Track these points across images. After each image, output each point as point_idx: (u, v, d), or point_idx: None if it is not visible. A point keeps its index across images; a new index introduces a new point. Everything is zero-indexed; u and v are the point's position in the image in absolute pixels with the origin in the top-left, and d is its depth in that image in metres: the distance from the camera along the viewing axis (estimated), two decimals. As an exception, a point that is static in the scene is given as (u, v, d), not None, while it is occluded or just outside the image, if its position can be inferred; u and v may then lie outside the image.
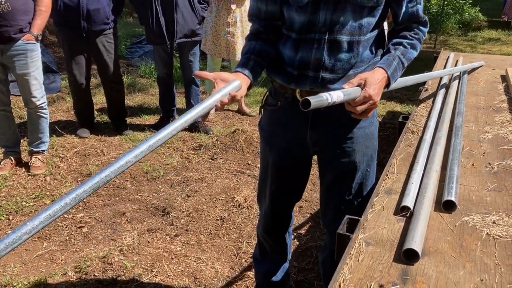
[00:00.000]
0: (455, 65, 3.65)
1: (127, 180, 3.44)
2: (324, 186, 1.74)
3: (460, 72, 3.28)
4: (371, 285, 1.15)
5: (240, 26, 4.41)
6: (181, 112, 4.72)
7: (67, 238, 2.77)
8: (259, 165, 3.76)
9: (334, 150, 1.61)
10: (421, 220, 1.39)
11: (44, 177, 3.44)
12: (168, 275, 2.39)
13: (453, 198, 1.51)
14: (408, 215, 1.46)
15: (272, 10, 1.51)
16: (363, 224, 1.42)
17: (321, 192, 1.78)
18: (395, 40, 1.47)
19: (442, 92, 2.86)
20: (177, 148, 4.03)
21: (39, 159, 3.51)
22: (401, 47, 1.45)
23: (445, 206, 1.51)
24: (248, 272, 2.47)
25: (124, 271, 2.41)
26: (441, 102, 2.68)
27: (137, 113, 4.88)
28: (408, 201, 1.51)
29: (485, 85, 3.32)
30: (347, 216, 1.46)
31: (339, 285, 1.14)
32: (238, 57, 4.51)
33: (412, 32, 1.47)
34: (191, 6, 3.97)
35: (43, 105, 3.42)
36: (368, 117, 1.44)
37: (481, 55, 4.82)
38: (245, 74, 1.43)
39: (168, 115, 4.49)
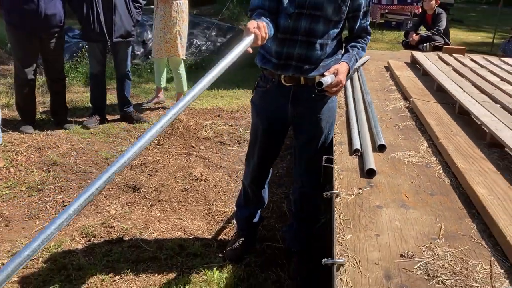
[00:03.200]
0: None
1: (90, 166, 3.85)
2: (298, 146, 2.48)
3: (358, 66, 4.27)
4: (353, 188, 1.94)
5: (180, 25, 5.04)
6: (110, 107, 5.13)
7: (56, 215, 3.16)
8: (202, 147, 4.43)
9: (307, 119, 2.36)
10: (369, 154, 2.22)
11: (7, 169, 3.69)
12: (162, 231, 2.97)
13: (383, 142, 2.37)
14: (359, 154, 2.29)
15: (272, 5, 2.16)
16: (335, 160, 2.21)
17: (296, 151, 2.52)
18: (352, 44, 2.27)
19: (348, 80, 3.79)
20: (124, 138, 4.49)
21: (-6, 154, 3.75)
22: (356, 48, 2.25)
23: (379, 148, 2.36)
24: (222, 224, 3.14)
25: (125, 231, 2.92)
26: (350, 87, 3.60)
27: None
28: (357, 146, 2.34)
29: (376, 74, 4.36)
30: (324, 156, 2.24)
31: (337, 188, 1.91)
32: (176, 53, 5.14)
33: (362, 39, 2.29)
34: (128, 10, 4.45)
35: None
36: (336, 95, 2.23)
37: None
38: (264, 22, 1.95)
39: (99, 112, 4.85)
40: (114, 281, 2.48)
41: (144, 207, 3.31)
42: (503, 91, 3.25)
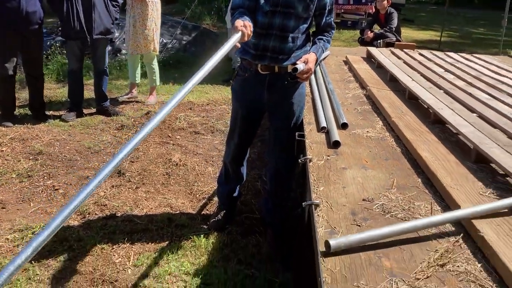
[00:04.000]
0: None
1: (75, 155, 4.10)
2: (273, 128, 2.84)
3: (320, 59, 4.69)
4: (323, 156, 2.34)
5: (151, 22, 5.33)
6: (85, 102, 5.35)
7: (49, 198, 3.41)
8: (178, 137, 4.73)
9: (281, 104, 2.73)
10: (334, 130, 2.63)
11: (-7, 159, 3.90)
12: (151, 208, 3.28)
13: (346, 121, 2.79)
14: (325, 131, 2.69)
15: (251, 5, 2.50)
16: (306, 136, 2.61)
17: (271, 133, 2.89)
18: (319, 37, 2.67)
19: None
20: (103, 129, 4.74)
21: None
22: (322, 41, 2.65)
23: (342, 126, 2.77)
24: (204, 201, 3.48)
25: (117, 208, 3.22)
26: (314, 78, 4.01)
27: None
28: (323, 124, 2.75)
29: (335, 67, 4.81)
30: (297, 133, 2.64)
31: (310, 155, 2.30)
32: (152, 49, 5.44)
33: (327, 33, 2.69)
34: (106, 8, 4.71)
35: None
36: (306, 81, 2.62)
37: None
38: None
39: (76, 106, 5.08)
40: (113, 249, 2.78)
41: (130, 189, 3.60)
42: (445, 79, 3.75)
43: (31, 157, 3.97)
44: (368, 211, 1.78)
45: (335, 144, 2.47)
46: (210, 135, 4.86)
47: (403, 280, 1.35)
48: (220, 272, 2.63)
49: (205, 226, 3.10)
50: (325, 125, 2.74)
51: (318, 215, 1.71)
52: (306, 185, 2.14)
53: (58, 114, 5.09)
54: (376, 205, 1.82)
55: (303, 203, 1.85)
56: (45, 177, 3.69)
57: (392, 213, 1.75)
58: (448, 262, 1.45)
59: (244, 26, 2.23)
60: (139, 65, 5.84)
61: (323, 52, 2.66)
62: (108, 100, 5.23)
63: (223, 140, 4.71)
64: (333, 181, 2.04)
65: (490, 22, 16.99)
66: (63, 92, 6.08)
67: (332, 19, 2.70)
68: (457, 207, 1.74)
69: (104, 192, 3.48)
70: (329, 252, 1.45)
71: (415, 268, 1.41)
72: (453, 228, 1.67)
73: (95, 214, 3.17)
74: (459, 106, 2.98)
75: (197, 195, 3.57)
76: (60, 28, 5.39)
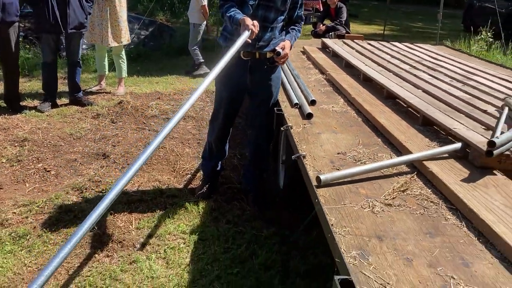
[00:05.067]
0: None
1: (59, 141, 4.34)
2: (254, 107, 3.26)
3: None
4: (299, 124, 2.80)
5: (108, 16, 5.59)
6: (58, 93, 5.55)
7: (42, 179, 3.67)
8: (152, 123, 5.06)
9: (262, 85, 3.16)
10: (306, 105, 3.10)
11: (-22, 147, 4.08)
12: (141, 183, 3.63)
13: (314, 98, 3.27)
14: (298, 107, 3.16)
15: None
16: (284, 111, 3.06)
17: (251, 111, 3.31)
18: (291, 27, 3.12)
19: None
20: (80, 118, 4.99)
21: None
22: (294, 31, 3.11)
23: (311, 102, 3.25)
24: (187, 177, 3.86)
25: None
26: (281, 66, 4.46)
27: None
28: (296, 101, 3.22)
29: (295, 57, 5.30)
30: (275, 108, 3.09)
31: (290, 123, 2.76)
32: (127, 39, 5.72)
33: (299, 24, 3.15)
34: (80, 3, 4.96)
35: None
36: (283, 64, 3.07)
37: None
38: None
39: (51, 97, 5.29)
40: (115, 216, 3.12)
41: (116, 169, 3.92)
42: (393, 64, 4.33)
43: (16, 144, 4.19)
44: (343, 160, 2.26)
45: (309, 116, 2.95)
46: (182, 121, 5.21)
47: (376, 201, 1.84)
48: (212, 230, 3.04)
49: (192, 196, 3.49)
50: (297, 102, 3.21)
51: (306, 163, 2.17)
52: (280, 150, 2.59)
53: (32, 105, 5.27)
54: (348, 156, 2.31)
55: (292, 156, 2.31)
56: (35, 161, 3.94)
57: (361, 161, 2.24)
58: (407, 189, 1.95)
59: (253, 25, 2.67)
60: (106, 56, 6.09)
61: (295, 40, 3.12)
62: (82, 91, 5.46)
63: (195, 125, 5.11)
64: (311, 141, 2.51)
65: (427, 16, 18.17)
66: (31, 85, 6.24)
67: (302, 12, 3.17)
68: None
69: (94, 172, 3.78)
70: (320, 184, 1.91)
71: (383, 193, 1.90)
72: (409, 169, 2.18)
73: (91, 189, 3.48)
74: (407, 84, 3.54)
75: (180, 172, 3.94)
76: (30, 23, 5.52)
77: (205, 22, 7.44)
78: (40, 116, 4.95)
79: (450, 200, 1.85)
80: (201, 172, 3.79)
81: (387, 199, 1.85)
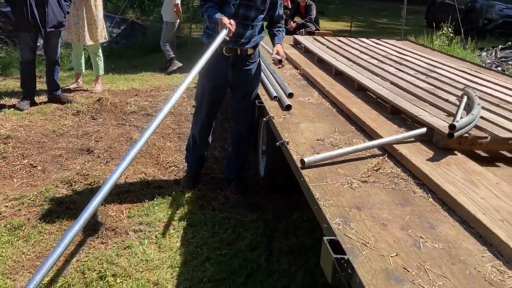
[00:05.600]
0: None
1: (42, 138, 4.44)
2: (236, 101, 3.47)
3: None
4: (280, 115, 3.02)
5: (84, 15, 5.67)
6: (39, 93, 5.61)
7: (29, 174, 3.78)
8: (132, 119, 5.19)
9: (243, 80, 3.37)
10: (284, 98, 3.33)
11: (-38, 145, 4.14)
12: (127, 176, 3.77)
13: (291, 91, 3.50)
14: (277, 99, 3.38)
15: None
16: (265, 103, 3.28)
17: (234, 104, 3.51)
18: (277, 29, 3.35)
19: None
20: (61, 115, 5.08)
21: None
22: (280, 32, 3.34)
23: (289, 95, 3.48)
24: (171, 169, 4.03)
25: (98, 177, 3.67)
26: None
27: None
28: (275, 94, 3.44)
29: (268, 54, 5.49)
30: (256, 101, 3.30)
31: (272, 117, 2.98)
32: (104, 36, 5.80)
33: (281, 24, 3.37)
34: (59, 2, 5.04)
35: None
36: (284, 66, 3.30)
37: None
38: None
39: (30, 96, 5.35)
40: (106, 206, 3.27)
41: (101, 164, 4.06)
42: (362, 58, 4.61)
43: (0, 142, 4.26)
44: (322, 145, 2.50)
45: (288, 108, 3.17)
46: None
47: (353, 179, 2.08)
48: (199, 217, 3.24)
49: (178, 187, 3.67)
50: (276, 95, 3.43)
51: (289, 148, 2.39)
52: (259, 141, 2.82)
53: (11, 103, 5.31)
54: (326, 142, 2.55)
55: (277, 143, 2.53)
56: (20, 157, 4.03)
57: (338, 146, 2.48)
58: (380, 168, 2.20)
59: (231, 24, 2.87)
60: (83, 54, 6.17)
61: (282, 40, 3.37)
62: (60, 89, 5.53)
63: (174, 120, 5.27)
64: (292, 130, 2.74)
65: (391, 12, 18.73)
66: (6, 84, 6.26)
67: (282, 11, 3.39)
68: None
69: (80, 167, 3.91)
70: (304, 166, 2.14)
71: (359, 172, 2.15)
72: (380, 152, 2.43)
73: (80, 182, 3.61)
74: (375, 77, 3.82)
75: (164, 165, 4.11)
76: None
77: (178, 21, 7.58)
78: (20, 114, 5.01)
79: (418, 177, 2.11)
80: (185, 164, 3.96)
81: (362, 177, 2.09)
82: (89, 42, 5.87)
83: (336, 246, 1.46)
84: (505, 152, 2.52)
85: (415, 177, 2.12)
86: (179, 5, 7.42)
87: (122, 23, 9.92)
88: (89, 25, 5.78)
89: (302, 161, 2.15)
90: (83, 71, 6.29)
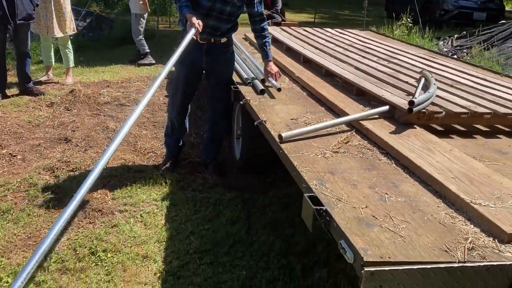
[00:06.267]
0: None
1: (18, 128, 4.50)
2: (211, 87, 3.66)
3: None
4: (255, 99, 3.24)
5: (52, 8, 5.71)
6: (10, 85, 5.62)
7: (10, 163, 3.85)
8: (106, 109, 5.30)
9: (217, 66, 3.56)
10: (258, 83, 3.54)
11: None
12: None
13: (264, 77, 3.72)
14: (251, 85, 3.60)
15: None
16: (240, 88, 3.49)
17: (209, 91, 3.71)
18: (264, 40, 3.56)
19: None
20: (34, 107, 5.13)
21: None
22: (267, 43, 3.53)
23: (262, 81, 3.70)
24: (149, 155, 4.19)
25: (80, 163, 3.80)
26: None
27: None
28: (248, 80, 3.65)
29: (239, 43, 5.70)
30: (232, 86, 3.51)
31: (249, 100, 3.19)
32: (73, 28, 5.86)
33: (265, 29, 3.56)
34: (28, -5, 5.08)
35: None
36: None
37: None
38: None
39: (2, 88, 5.37)
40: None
41: (80, 152, 4.17)
42: (328, 47, 4.88)
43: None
44: (296, 124, 2.73)
45: (262, 92, 3.39)
46: (134, 106, 5.47)
47: (326, 150, 2.32)
48: (181, 197, 3.43)
49: (157, 171, 3.84)
50: (250, 80, 3.65)
51: (267, 126, 2.62)
52: (234, 125, 3.03)
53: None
54: (300, 121, 2.78)
55: (255, 122, 2.75)
56: (-1, 147, 4.09)
57: (311, 124, 2.72)
58: (349, 141, 2.45)
59: (199, 24, 3.09)
60: (52, 47, 6.20)
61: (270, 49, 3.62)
62: (32, 81, 5.57)
63: (147, 110, 5.40)
64: (268, 111, 2.96)
65: (353, 4, 19.25)
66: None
67: (262, 9, 3.57)
68: (350, 116, 2.78)
69: (60, 155, 4.02)
70: (282, 141, 2.37)
71: (331, 144, 2.39)
72: (348, 128, 2.69)
73: (62, 168, 3.73)
74: (341, 63, 4.08)
75: (142, 151, 4.26)
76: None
77: (146, 13, 7.65)
78: (-5, 108, 5.03)
79: (382, 147, 2.38)
80: (162, 150, 4.14)
81: (334, 149, 2.34)
82: (58, 34, 5.91)
83: (315, 201, 1.70)
84: (457, 126, 2.83)
85: (380, 148, 2.39)
86: (146, -4, 7.48)
87: (87, 16, 9.87)
88: (57, 17, 5.81)
89: (280, 136, 2.38)
90: (53, 63, 6.32)
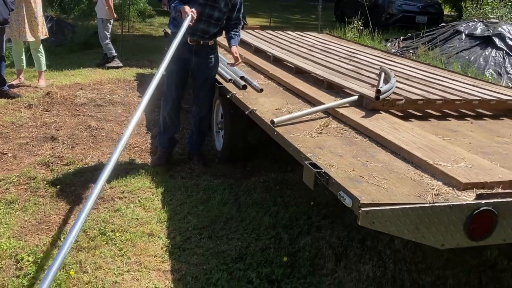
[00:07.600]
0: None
1: (3, 129, 4.66)
2: (197, 86, 4.02)
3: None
4: (240, 93, 3.64)
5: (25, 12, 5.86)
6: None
7: (1, 161, 4.03)
8: (84, 109, 5.52)
9: (203, 67, 3.93)
10: (239, 81, 3.95)
11: None
12: (98, 156, 4.18)
13: (243, 75, 4.12)
14: (232, 81, 3.99)
15: None
16: (224, 84, 3.88)
17: (195, 90, 4.06)
18: (233, 33, 3.93)
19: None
20: (13, 109, 5.27)
21: None
22: (237, 36, 3.92)
23: (241, 78, 4.10)
24: (135, 149, 4.48)
25: (72, 158, 4.04)
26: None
27: None
28: (229, 77, 4.04)
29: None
30: (216, 83, 3.89)
31: (235, 93, 3.59)
32: (45, 33, 6.00)
33: (238, 28, 3.96)
34: (3, 0, 5.22)
35: None
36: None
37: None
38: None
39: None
40: (87, 180, 3.68)
41: (68, 149, 4.40)
42: (293, 48, 5.35)
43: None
44: (281, 113, 3.16)
45: (244, 87, 3.80)
46: (111, 106, 5.73)
47: (311, 132, 2.76)
48: (173, 184, 3.77)
49: (147, 165, 4.15)
50: (231, 78, 4.04)
51: (258, 114, 3.03)
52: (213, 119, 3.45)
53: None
54: (283, 110, 3.21)
55: (246, 112, 3.16)
56: (-12, 147, 4.26)
57: (294, 112, 3.16)
58: (328, 125, 2.90)
59: (192, 11, 3.42)
60: (23, 50, 6.33)
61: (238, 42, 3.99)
62: (7, 84, 5.69)
63: (125, 109, 5.67)
64: (253, 104, 3.37)
65: (301, 9, 20.07)
66: None
67: (241, 14, 3.98)
68: (325, 105, 3.23)
69: (51, 151, 4.24)
70: (274, 125, 2.79)
71: (314, 127, 2.83)
72: (326, 115, 3.14)
73: (57, 163, 3.97)
74: (309, 61, 4.56)
75: (127, 147, 4.54)
76: None
77: (112, 19, 7.85)
78: (-25, 111, 5.14)
79: (357, 128, 2.84)
80: (148, 145, 4.45)
81: (317, 131, 2.78)
82: (30, 38, 6.05)
83: (314, 166, 2.12)
84: (414, 112, 3.35)
85: (355, 129, 2.85)
86: (111, 2, 7.67)
87: (48, 21, 9.88)
88: (29, 22, 5.96)
89: (272, 121, 2.80)
90: (24, 67, 6.43)
